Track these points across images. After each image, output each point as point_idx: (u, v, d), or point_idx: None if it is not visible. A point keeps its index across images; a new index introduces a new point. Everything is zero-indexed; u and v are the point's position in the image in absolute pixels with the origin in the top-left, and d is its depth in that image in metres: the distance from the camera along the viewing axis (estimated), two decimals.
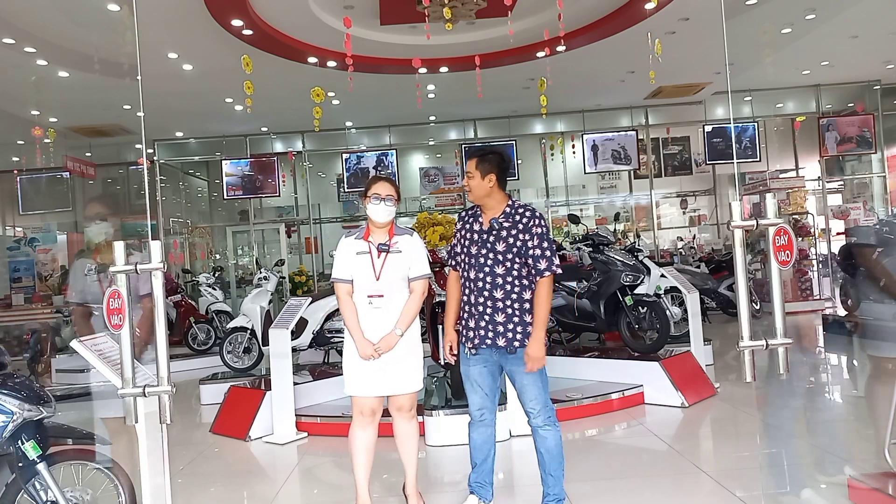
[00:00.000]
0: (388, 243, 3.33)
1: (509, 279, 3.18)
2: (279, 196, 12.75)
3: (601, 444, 4.89)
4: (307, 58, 8.75)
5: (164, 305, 2.33)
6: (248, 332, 7.05)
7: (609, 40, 8.80)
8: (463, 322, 3.31)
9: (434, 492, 3.85)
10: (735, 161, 13.11)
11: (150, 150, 13.09)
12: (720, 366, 6.92)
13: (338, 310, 6.44)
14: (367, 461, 3.39)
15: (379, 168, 12.17)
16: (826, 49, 10.60)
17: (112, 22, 7.00)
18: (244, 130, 13.07)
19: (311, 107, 8.00)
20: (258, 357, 7.08)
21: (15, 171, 11.95)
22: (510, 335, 3.17)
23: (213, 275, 10.68)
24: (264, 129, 13.16)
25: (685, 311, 6.59)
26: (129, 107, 10.38)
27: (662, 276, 6.48)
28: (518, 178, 12.99)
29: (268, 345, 5.73)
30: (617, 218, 10.78)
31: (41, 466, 2.83)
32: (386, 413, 3.44)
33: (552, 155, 13.91)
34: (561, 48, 8.16)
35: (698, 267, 10.43)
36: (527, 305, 3.19)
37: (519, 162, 12.83)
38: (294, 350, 6.01)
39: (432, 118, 13.31)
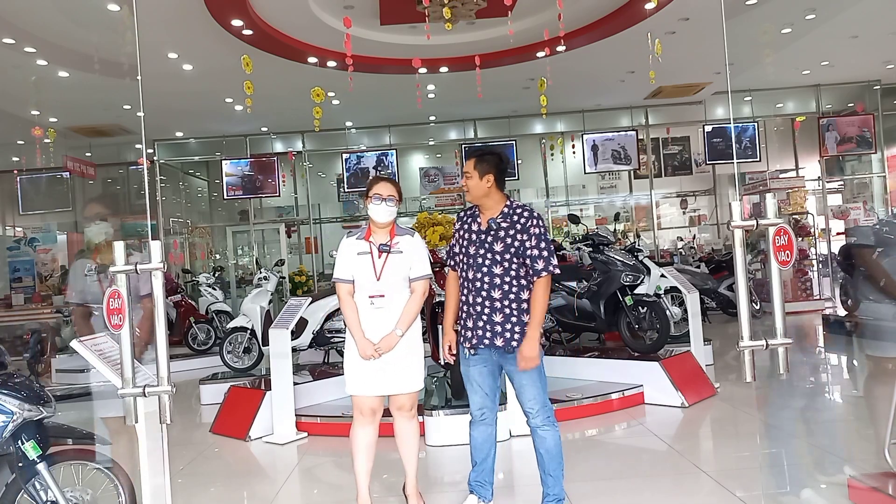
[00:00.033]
0: (388, 244, 3.33)
1: (507, 279, 3.18)
2: (279, 196, 12.75)
3: (601, 444, 4.89)
4: (307, 58, 8.75)
5: (164, 305, 2.33)
6: (248, 332, 7.05)
7: (609, 40, 8.79)
8: (461, 322, 3.31)
9: (434, 492, 3.85)
10: (735, 161, 13.11)
11: (150, 150, 13.09)
12: (720, 366, 6.92)
13: (337, 310, 6.47)
14: (368, 461, 3.40)
15: (379, 168, 12.17)
16: (826, 49, 10.60)
17: (112, 22, 7.00)
18: (244, 130, 13.07)
19: (311, 107, 8.00)
20: (258, 357, 7.08)
21: (15, 171, 11.95)
22: (508, 335, 3.17)
23: (213, 275, 10.68)
24: (264, 129, 13.16)
25: (685, 311, 6.59)
26: (129, 107, 10.39)
27: (662, 276, 6.48)
28: (518, 178, 12.99)
29: (268, 345, 5.73)
30: (617, 218, 10.78)
31: (41, 466, 2.83)
32: (387, 413, 3.44)
33: (552, 155, 13.90)
34: (561, 48, 8.16)
35: (698, 267, 10.43)
36: (525, 305, 3.19)
37: (519, 162, 12.82)
38: (294, 350, 6.01)
39: (432, 118, 13.31)
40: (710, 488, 3.72)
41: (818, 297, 10.99)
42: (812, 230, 11.44)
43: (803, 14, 8.66)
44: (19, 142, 12.13)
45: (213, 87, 9.95)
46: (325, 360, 7.07)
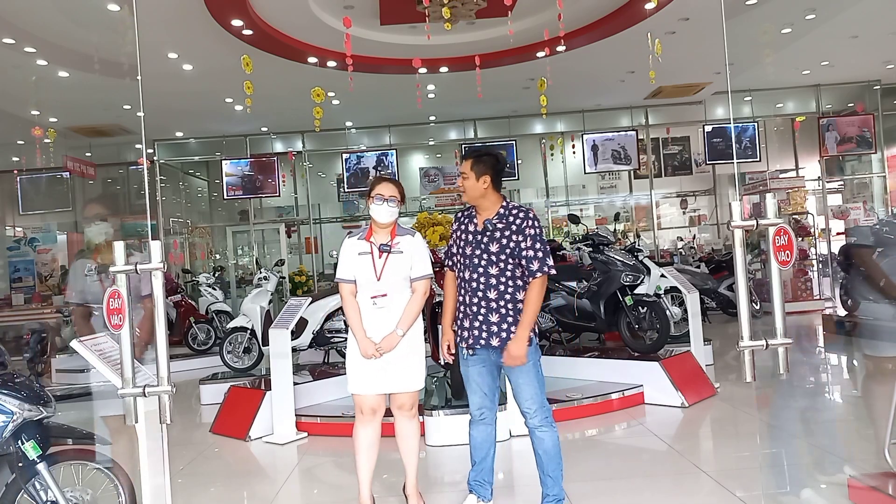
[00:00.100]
0: (389, 244, 3.33)
1: (503, 280, 3.18)
2: (279, 196, 12.74)
3: (601, 444, 4.89)
4: (307, 58, 8.75)
5: (164, 305, 2.33)
6: (248, 332, 7.05)
7: (609, 40, 8.79)
8: (458, 322, 3.32)
9: (434, 492, 3.86)
10: (735, 161, 13.11)
11: (150, 150, 13.08)
12: (720, 366, 6.93)
13: (337, 310, 6.48)
14: (370, 460, 3.40)
15: (379, 168, 12.17)
16: (826, 49, 10.60)
17: (112, 22, 7.00)
18: (244, 130, 13.07)
19: (311, 107, 8.00)
20: (258, 357, 7.08)
21: (15, 171, 11.95)
22: (504, 335, 3.17)
23: (213, 275, 10.69)
24: (264, 129, 13.16)
25: (685, 311, 6.60)
26: (129, 107, 10.38)
27: (662, 276, 6.48)
28: (518, 179, 12.99)
29: (268, 345, 5.73)
30: (617, 218, 10.79)
31: (41, 466, 2.83)
32: (387, 413, 3.44)
33: (552, 155, 13.90)
34: (561, 48, 8.16)
35: (698, 267, 10.43)
36: (520, 306, 3.19)
37: (519, 162, 12.82)
38: (294, 350, 6.01)
39: (432, 118, 13.31)
40: (710, 488, 3.72)
41: (818, 297, 10.99)
42: (812, 230, 11.44)
43: (803, 14, 8.66)
44: (19, 142, 12.13)
45: (213, 87, 9.95)
46: (325, 360, 7.07)
